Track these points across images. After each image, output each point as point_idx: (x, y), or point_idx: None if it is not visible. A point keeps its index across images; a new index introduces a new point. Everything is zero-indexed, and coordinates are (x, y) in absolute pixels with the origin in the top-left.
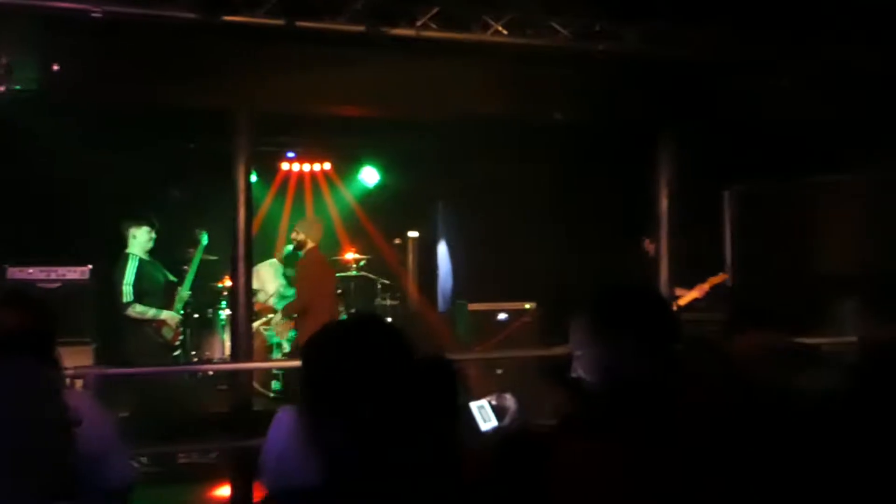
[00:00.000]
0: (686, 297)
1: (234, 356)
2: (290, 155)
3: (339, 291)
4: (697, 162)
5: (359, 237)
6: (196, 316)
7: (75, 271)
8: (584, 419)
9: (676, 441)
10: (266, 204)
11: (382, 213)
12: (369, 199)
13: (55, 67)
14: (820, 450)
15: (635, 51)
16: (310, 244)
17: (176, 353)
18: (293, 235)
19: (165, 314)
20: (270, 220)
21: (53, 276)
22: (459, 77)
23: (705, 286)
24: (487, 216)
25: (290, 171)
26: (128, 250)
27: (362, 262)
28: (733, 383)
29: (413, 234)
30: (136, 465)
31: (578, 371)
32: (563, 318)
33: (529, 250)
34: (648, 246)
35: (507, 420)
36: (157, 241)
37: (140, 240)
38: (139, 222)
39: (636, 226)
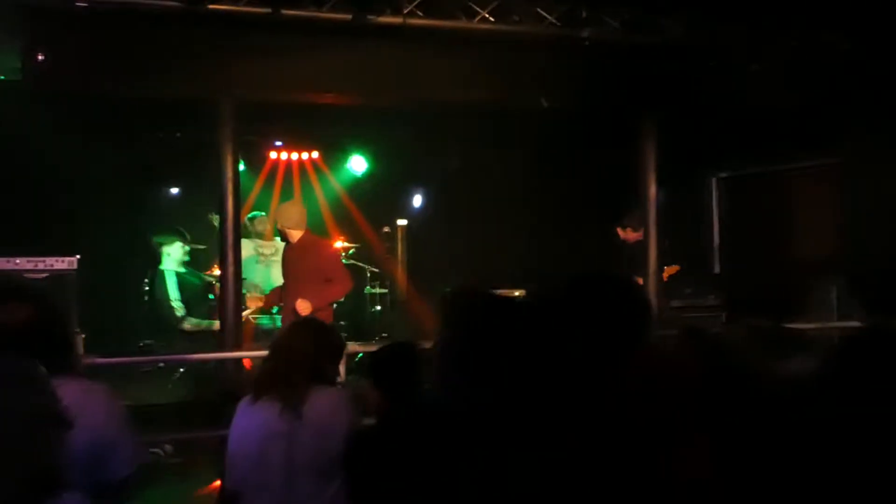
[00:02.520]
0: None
1: (223, 344)
2: (278, 144)
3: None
4: (679, 149)
5: (348, 225)
6: None
7: (63, 261)
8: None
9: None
10: (254, 193)
11: (371, 201)
12: (358, 187)
13: (39, 57)
14: (806, 435)
15: (619, 37)
16: (293, 232)
17: None
18: (278, 226)
19: (217, 325)
20: (259, 209)
21: (41, 266)
22: (445, 64)
23: (661, 276)
24: (476, 203)
25: (277, 160)
26: (161, 266)
27: (351, 251)
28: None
29: (402, 222)
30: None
31: None
32: None
33: (518, 237)
34: (630, 234)
35: None
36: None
37: (175, 256)
38: (171, 239)
39: (622, 212)
